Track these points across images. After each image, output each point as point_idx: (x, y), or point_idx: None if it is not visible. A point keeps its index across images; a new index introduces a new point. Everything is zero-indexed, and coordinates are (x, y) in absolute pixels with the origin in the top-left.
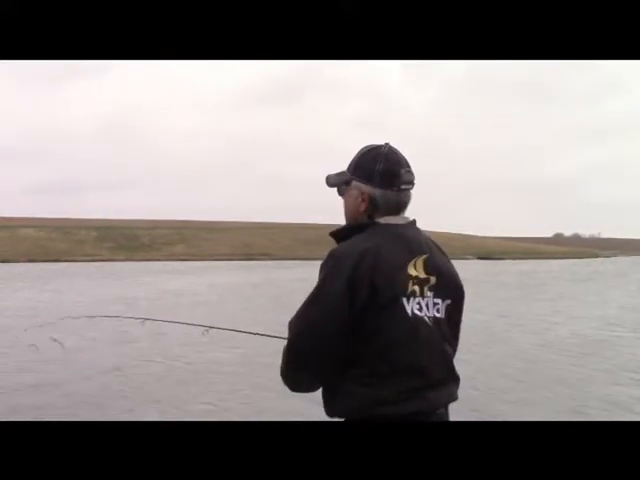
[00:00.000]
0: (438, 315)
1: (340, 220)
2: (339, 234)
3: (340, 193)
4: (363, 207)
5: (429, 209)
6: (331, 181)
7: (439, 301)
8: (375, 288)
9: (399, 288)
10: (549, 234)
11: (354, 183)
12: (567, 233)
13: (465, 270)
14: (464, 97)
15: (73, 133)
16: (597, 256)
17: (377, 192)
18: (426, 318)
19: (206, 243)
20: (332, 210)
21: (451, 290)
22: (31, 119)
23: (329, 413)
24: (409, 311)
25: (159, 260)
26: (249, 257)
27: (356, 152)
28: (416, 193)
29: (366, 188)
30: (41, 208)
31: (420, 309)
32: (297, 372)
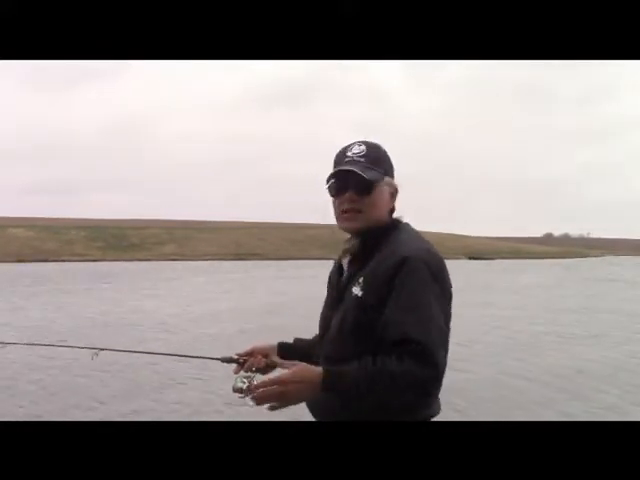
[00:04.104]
0: None
1: (332, 220)
2: (378, 231)
3: (368, 190)
4: (393, 203)
5: (421, 209)
6: (372, 176)
7: None
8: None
9: None
10: (539, 234)
11: (387, 179)
12: (557, 233)
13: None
14: (462, 100)
15: (70, 134)
16: (586, 256)
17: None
18: None
19: (196, 243)
20: (324, 210)
21: None
22: (26, 120)
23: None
24: None
25: (149, 260)
26: (240, 257)
27: (356, 147)
28: (409, 194)
29: (396, 185)
30: (31, 208)
31: None
32: None
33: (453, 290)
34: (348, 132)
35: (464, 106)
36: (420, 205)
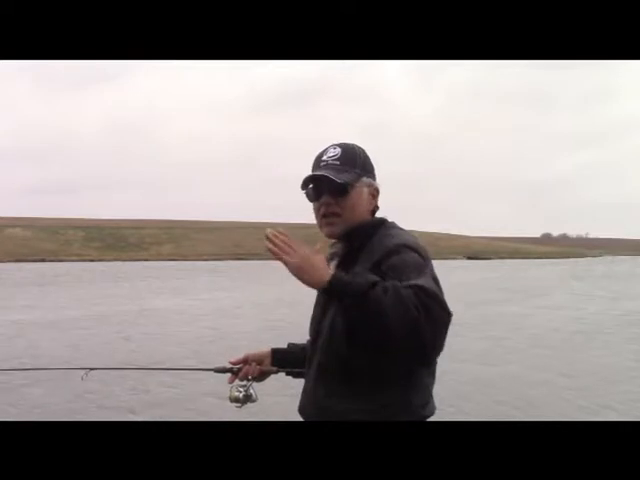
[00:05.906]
0: None
1: None
2: (361, 231)
3: (343, 193)
4: (374, 204)
5: (420, 209)
6: (345, 178)
7: None
8: None
9: None
10: (537, 234)
11: (365, 180)
12: (555, 233)
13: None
14: (462, 100)
15: (69, 135)
16: (584, 256)
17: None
18: None
19: (194, 243)
20: None
21: None
22: (26, 120)
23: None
24: None
25: (147, 260)
26: (238, 257)
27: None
28: (407, 194)
29: (376, 184)
30: (29, 208)
31: None
32: None
33: (461, 290)
34: (348, 132)
35: (464, 106)
36: (419, 205)
